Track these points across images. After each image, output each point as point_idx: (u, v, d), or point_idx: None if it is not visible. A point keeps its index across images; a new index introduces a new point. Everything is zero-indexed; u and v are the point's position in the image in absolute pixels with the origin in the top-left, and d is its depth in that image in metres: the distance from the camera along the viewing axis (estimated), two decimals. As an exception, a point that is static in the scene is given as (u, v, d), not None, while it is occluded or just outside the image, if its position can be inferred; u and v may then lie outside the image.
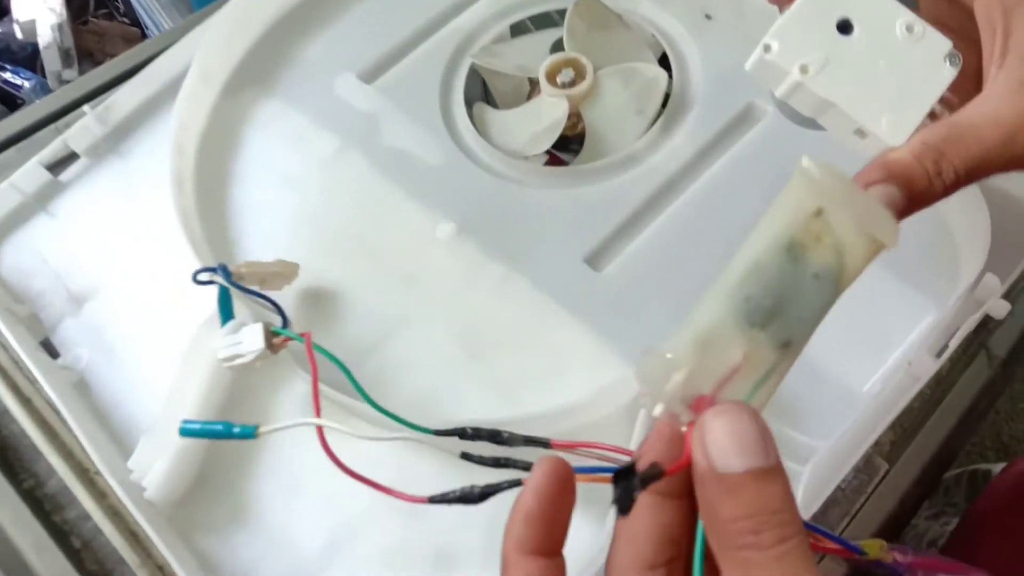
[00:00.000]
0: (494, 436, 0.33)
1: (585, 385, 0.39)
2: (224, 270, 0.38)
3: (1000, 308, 0.37)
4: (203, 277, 0.38)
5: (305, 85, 0.50)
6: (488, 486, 0.29)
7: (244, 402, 0.40)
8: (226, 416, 0.39)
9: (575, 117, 0.48)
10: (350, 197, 0.46)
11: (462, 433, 0.33)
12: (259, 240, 0.45)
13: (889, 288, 0.41)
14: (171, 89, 0.48)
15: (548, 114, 0.46)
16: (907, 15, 0.29)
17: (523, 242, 0.44)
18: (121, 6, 1.25)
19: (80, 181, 0.48)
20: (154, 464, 0.37)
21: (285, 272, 0.41)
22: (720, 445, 0.20)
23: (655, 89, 0.46)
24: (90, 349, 0.42)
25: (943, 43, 0.29)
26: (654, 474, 0.21)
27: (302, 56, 0.51)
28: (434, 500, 0.30)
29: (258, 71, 0.51)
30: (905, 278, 0.41)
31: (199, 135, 0.48)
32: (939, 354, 0.36)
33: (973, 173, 0.28)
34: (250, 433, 0.32)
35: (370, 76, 0.50)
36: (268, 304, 0.39)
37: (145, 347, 0.42)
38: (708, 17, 0.50)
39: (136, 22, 1.25)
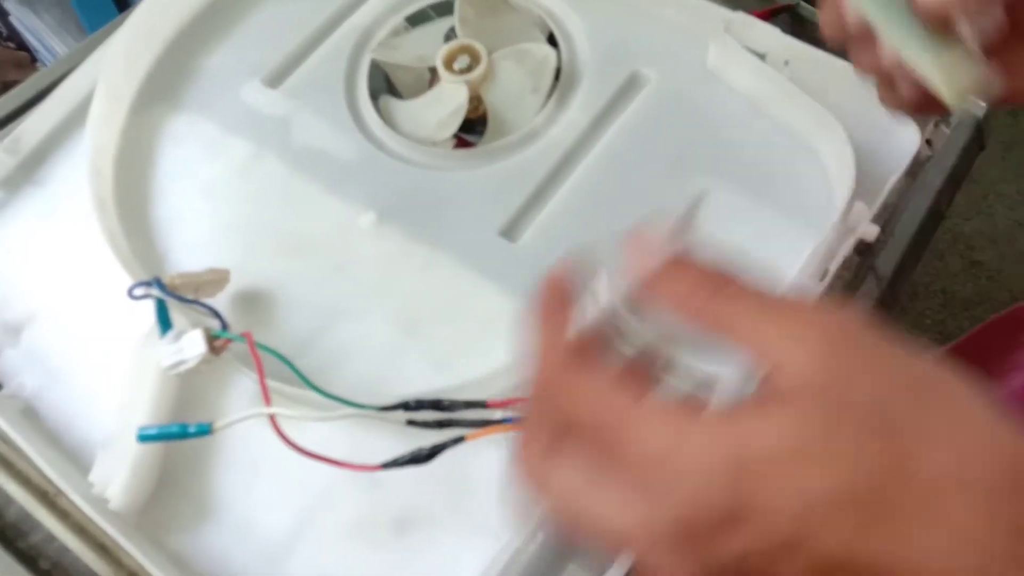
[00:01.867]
0: (436, 404, 0.36)
1: (514, 347, 0.42)
2: (158, 283, 0.40)
3: (871, 232, 0.42)
4: (138, 292, 0.40)
5: (213, 96, 0.51)
6: (435, 445, 0.32)
7: (194, 405, 0.41)
8: (179, 419, 0.40)
9: (476, 100, 0.50)
10: (270, 199, 0.48)
11: (406, 406, 0.36)
12: (188, 251, 0.46)
13: (775, 226, 0.45)
14: (79, 113, 0.49)
15: (450, 100, 0.49)
16: None
17: (441, 223, 0.46)
18: (4, 30, 1.21)
19: (-2, 214, 0.48)
20: (114, 475, 0.38)
21: (217, 279, 0.43)
22: None
23: (546, 67, 0.49)
24: (34, 376, 0.43)
25: None
26: None
27: (206, 67, 0.52)
28: (387, 465, 0.33)
29: (165, 86, 0.52)
30: (788, 213, 0.46)
31: (114, 156, 0.48)
32: (822, 278, 0.41)
33: None
34: (205, 430, 0.34)
35: (275, 81, 0.52)
36: (205, 310, 0.41)
37: (89, 367, 0.43)
38: (588, -7, 0.53)
39: (23, 46, 1.21)
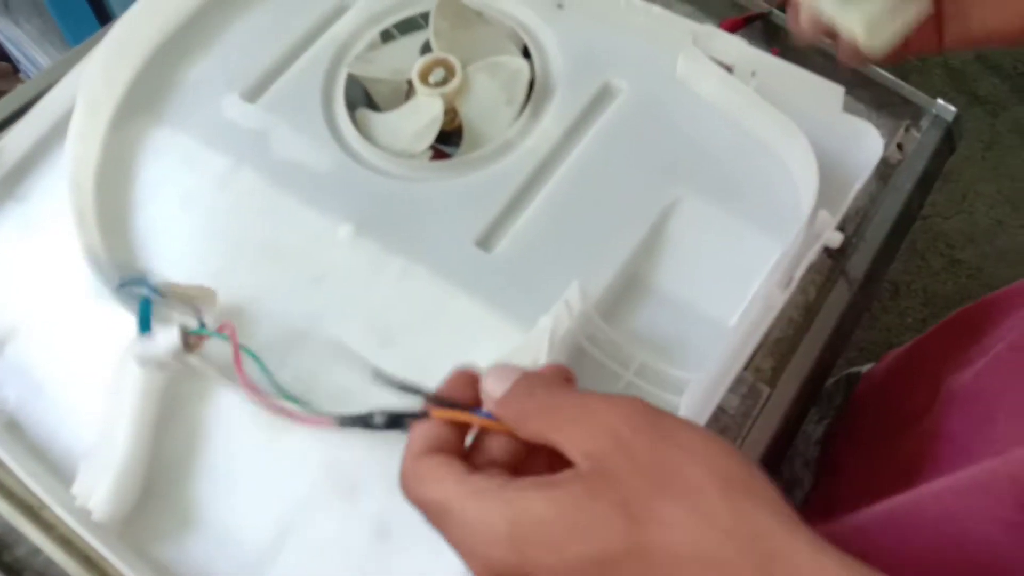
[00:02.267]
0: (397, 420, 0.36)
1: (491, 355, 0.43)
2: (146, 282, 0.40)
3: (835, 239, 0.43)
4: (127, 287, 0.40)
5: (192, 110, 0.52)
6: (394, 413, 0.33)
7: (176, 416, 0.42)
8: (159, 430, 0.41)
9: (452, 112, 0.51)
10: (249, 212, 0.48)
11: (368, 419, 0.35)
12: (168, 265, 0.47)
13: (744, 233, 0.47)
14: (60, 127, 0.49)
15: (425, 112, 0.50)
16: None
17: (418, 234, 0.47)
18: (-15, 41, 1.21)
19: (-22, 230, 0.48)
20: (97, 486, 0.38)
21: (203, 296, 0.43)
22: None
23: (520, 79, 0.50)
24: (16, 390, 0.44)
25: None
26: None
27: (186, 81, 0.53)
28: (344, 422, 0.33)
29: (144, 100, 0.52)
30: (756, 222, 0.47)
31: (95, 170, 0.49)
32: (787, 286, 0.42)
33: None
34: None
35: (253, 95, 0.52)
36: (188, 311, 0.42)
37: (71, 380, 0.44)
38: (560, 6, 0.54)
39: (4, 56, 1.21)
